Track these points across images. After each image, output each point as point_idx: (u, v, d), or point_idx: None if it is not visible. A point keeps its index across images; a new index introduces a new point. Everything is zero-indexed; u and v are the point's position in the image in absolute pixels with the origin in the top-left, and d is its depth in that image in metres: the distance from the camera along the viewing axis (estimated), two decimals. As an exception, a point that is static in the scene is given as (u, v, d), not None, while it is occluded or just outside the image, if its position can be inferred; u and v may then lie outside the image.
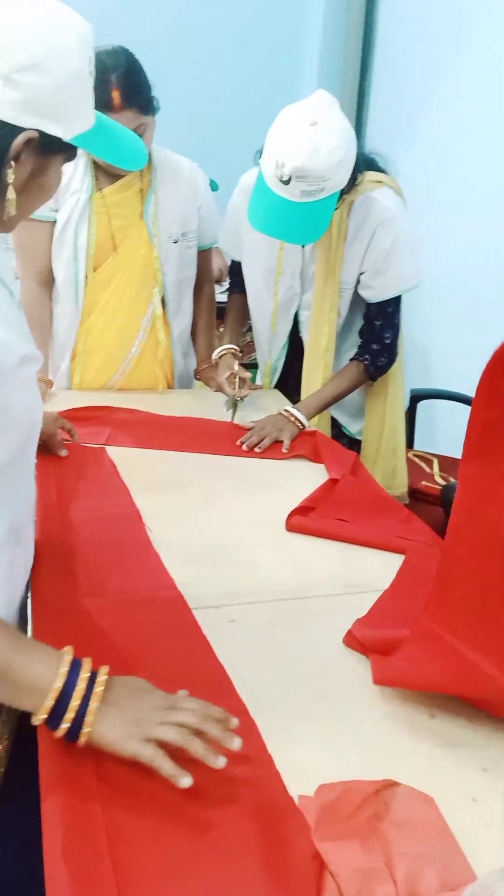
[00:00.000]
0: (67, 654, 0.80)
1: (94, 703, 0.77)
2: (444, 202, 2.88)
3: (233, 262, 2.05)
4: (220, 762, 0.76)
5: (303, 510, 1.41)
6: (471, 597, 0.91)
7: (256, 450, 1.66)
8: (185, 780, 0.75)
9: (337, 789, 0.76)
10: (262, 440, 1.68)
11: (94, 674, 0.80)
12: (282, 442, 1.70)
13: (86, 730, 0.77)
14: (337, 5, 3.46)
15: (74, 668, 0.79)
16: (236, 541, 1.32)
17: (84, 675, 0.79)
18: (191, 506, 1.43)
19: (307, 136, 1.49)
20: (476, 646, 0.89)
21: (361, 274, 1.81)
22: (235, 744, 0.79)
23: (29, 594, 1.10)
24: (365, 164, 1.70)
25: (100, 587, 1.12)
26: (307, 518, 1.39)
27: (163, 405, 1.90)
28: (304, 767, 0.84)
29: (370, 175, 1.74)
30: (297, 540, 1.34)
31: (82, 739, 0.77)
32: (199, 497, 1.47)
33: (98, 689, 0.78)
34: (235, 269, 2.04)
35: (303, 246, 1.83)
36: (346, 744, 0.88)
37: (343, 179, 1.57)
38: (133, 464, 1.56)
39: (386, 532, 1.37)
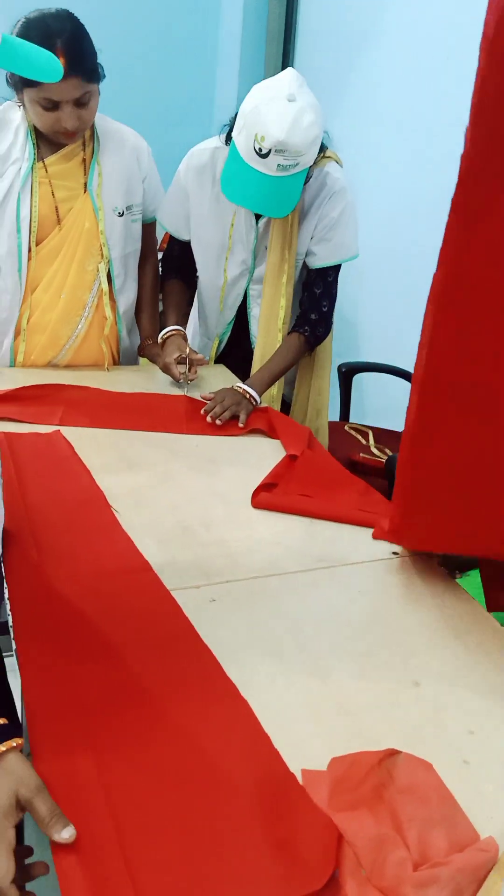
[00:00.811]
0: None
1: None
2: (367, 179, 2.91)
3: (170, 247, 2.02)
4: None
5: (266, 487, 1.42)
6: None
7: (217, 421, 1.66)
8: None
9: (346, 761, 0.78)
10: (224, 412, 1.67)
11: None
12: (237, 418, 1.70)
13: None
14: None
15: None
16: (204, 520, 1.31)
17: None
18: (153, 486, 1.42)
19: (286, 112, 1.53)
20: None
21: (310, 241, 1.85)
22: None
23: (4, 585, 1.07)
24: None
25: (73, 573, 1.10)
26: (272, 494, 1.40)
27: (110, 382, 1.86)
28: (300, 742, 0.86)
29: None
30: (263, 516, 1.35)
31: None
32: (161, 476, 1.46)
33: None
34: (173, 255, 2.02)
35: (256, 221, 1.83)
36: (337, 716, 0.91)
37: (314, 155, 1.63)
38: (89, 444, 1.53)
39: (348, 505, 1.40)
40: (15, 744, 0.74)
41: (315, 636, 1.04)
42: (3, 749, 0.73)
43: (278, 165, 1.59)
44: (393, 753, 0.81)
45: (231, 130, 1.73)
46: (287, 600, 1.12)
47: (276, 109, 1.54)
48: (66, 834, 0.70)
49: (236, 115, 1.70)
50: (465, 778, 0.83)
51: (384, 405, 3.06)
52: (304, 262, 1.90)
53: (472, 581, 1.56)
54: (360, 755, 0.80)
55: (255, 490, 1.40)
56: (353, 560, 1.24)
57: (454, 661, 1.02)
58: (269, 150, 1.56)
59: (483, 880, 0.70)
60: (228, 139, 1.76)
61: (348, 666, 0.99)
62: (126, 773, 0.79)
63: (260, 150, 1.57)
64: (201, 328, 2.09)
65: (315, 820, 0.74)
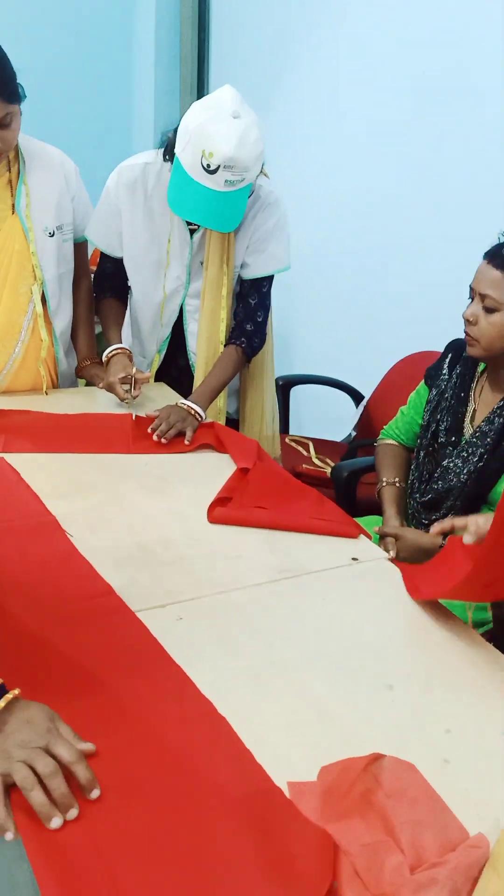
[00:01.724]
0: None
1: None
2: (293, 192, 2.96)
3: (101, 265, 2.00)
4: (54, 823, 0.73)
5: (220, 501, 1.41)
6: None
7: (164, 440, 1.64)
8: (54, 822, 0.73)
9: (335, 769, 0.78)
10: (170, 429, 1.66)
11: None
12: (183, 435, 1.69)
13: None
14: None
15: None
16: (161, 538, 1.30)
17: None
18: (105, 508, 1.39)
19: (233, 129, 1.56)
20: None
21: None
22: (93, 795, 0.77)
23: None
24: None
25: (33, 603, 1.06)
26: (227, 508, 1.39)
27: (50, 406, 1.82)
28: (283, 755, 0.85)
29: None
30: (220, 531, 1.34)
31: None
32: (112, 498, 1.43)
33: None
34: (105, 273, 2.00)
35: (190, 237, 1.83)
36: (316, 724, 0.90)
37: (258, 170, 1.66)
38: (36, 470, 1.49)
39: (304, 515, 1.40)
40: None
41: (285, 646, 1.04)
42: (12, 696, 0.80)
43: (226, 181, 1.61)
44: (378, 758, 0.81)
45: (169, 146, 1.73)
46: (254, 613, 1.11)
47: (222, 126, 1.56)
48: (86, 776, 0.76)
49: (174, 130, 1.70)
50: (447, 777, 0.83)
51: (320, 416, 3.10)
52: (239, 274, 1.91)
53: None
54: (348, 762, 0.79)
55: (210, 505, 1.39)
56: (315, 568, 1.24)
57: (425, 662, 1.04)
58: (218, 166, 1.58)
59: (478, 877, 0.70)
60: (166, 155, 1.76)
61: (321, 674, 0.99)
62: (109, 801, 0.76)
63: (208, 165, 1.58)
64: (136, 346, 2.07)
65: (309, 832, 0.73)
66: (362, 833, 0.72)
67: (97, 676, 0.93)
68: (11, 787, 0.76)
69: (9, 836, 0.72)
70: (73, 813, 0.74)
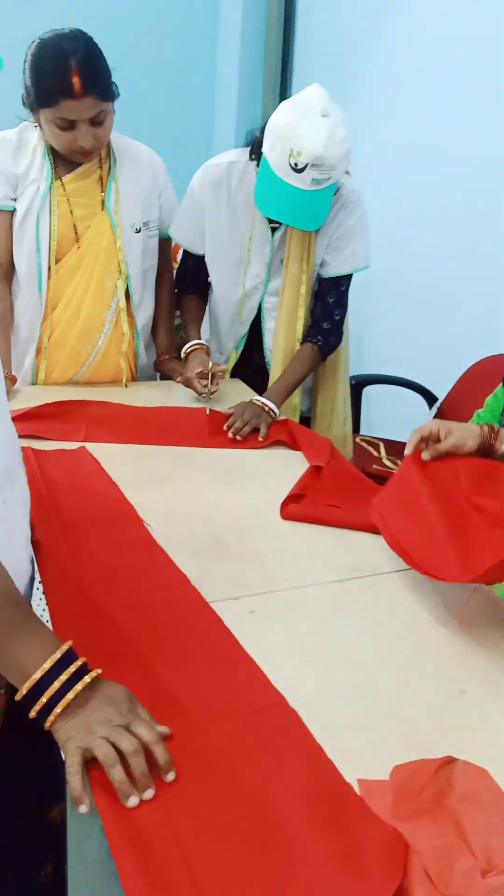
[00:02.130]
0: (59, 650, 0.82)
1: (70, 696, 0.79)
2: (371, 190, 2.94)
3: (184, 262, 2.03)
4: (131, 801, 0.75)
5: (294, 498, 1.42)
6: None
7: (238, 437, 1.66)
8: (132, 800, 0.75)
9: (408, 769, 0.78)
10: (245, 426, 1.68)
11: (80, 670, 0.82)
12: (257, 431, 1.71)
13: (50, 717, 0.79)
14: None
15: (62, 662, 0.81)
16: (235, 532, 1.31)
17: (70, 669, 0.81)
18: (182, 500, 1.42)
19: (322, 127, 1.57)
20: None
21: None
22: (169, 777, 0.79)
23: (43, 598, 1.07)
24: None
25: (113, 589, 1.10)
26: (300, 506, 1.40)
27: (129, 398, 1.86)
28: (353, 752, 0.85)
29: None
30: (293, 528, 1.35)
31: (47, 724, 0.79)
32: (188, 490, 1.46)
33: (78, 686, 0.80)
34: (187, 270, 2.03)
35: (272, 234, 1.85)
36: (385, 725, 0.90)
37: (344, 169, 1.67)
38: (115, 459, 1.53)
39: (376, 515, 1.40)
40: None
41: (357, 646, 1.04)
42: (96, 674, 0.82)
43: (312, 179, 1.62)
44: (450, 761, 0.80)
45: (255, 146, 1.75)
46: (325, 610, 1.12)
47: (311, 125, 1.57)
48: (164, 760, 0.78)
49: (261, 129, 1.71)
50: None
51: (391, 416, 3.07)
52: (318, 272, 1.91)
53: None
54: (421, 763, 0.79)
55: (284, 501, 1.41)
56: (387, 569, 1.24)
57: (497, 666, 1.02)
58: (306, 165, 1.59)
59: (550, 886, 0.69)
60: (252, 154, 1.78)
61: (393, 675, 0.99)
62: (182, 785, 0.78)
63: (296, 164, 1.60)
64: (213, 342, 2.10)
65: (379, 830, 0.73)
66: (434, 834, 0.72)
67: (173, 664, 0.95)
68: (90, 762, 0.79)
69: (83, 808, 0.75)
70: (150, 793, 0.76)
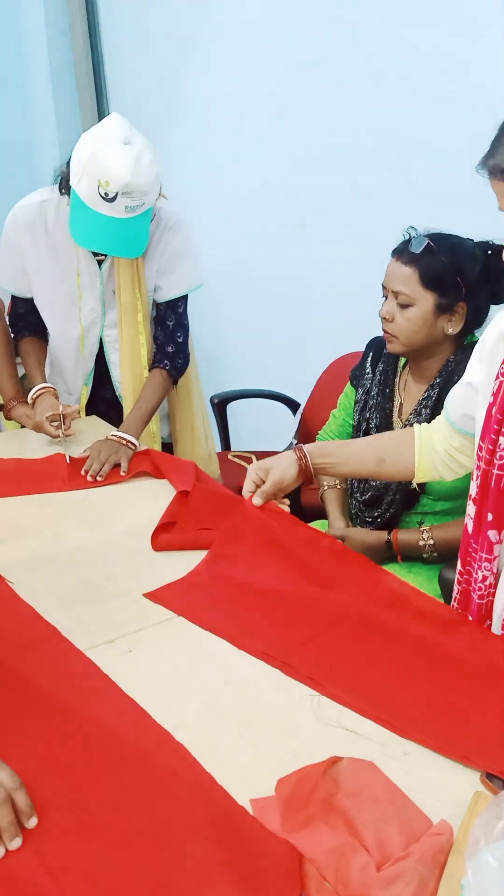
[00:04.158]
0: None
1: None
2: (199, 209, 2.99)
3: (14, 306, 1.99)
4: (14, 844, 0.73)
5: (164, 527, 1.41)
6: None
7: (99, 478, 1.63)
8: (14, 843, 0.73)
9: (292, 780, 0.78)
10: (103, 466, 1.64)
11: None
12: (118, 466, 1.68)
13: None
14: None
15: None
16: (104, 573, 1.28)
17: None
18: (47, 549, 1.37)
19: (125, 155, 1.57)
20: None
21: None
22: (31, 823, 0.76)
23: None
24: None
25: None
26: (171, 534, 1.39)
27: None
28: (243, 772, 0.85)
29: None
30: (166, 557, 1.33)
31: None
32: (51, 538, 1.41)
33: None
34: (19, 313, 1.99)
35: (99, 267, 1.84)
36: (269, 740, 0.90)
37: (156, 193, 1.67)
38: (-30, 520, 1.46)
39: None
40: None
41: (238, 664, 1.03)
42: None
43: (126, 207, 1.62)
44: (335, 761, 0.81)
45: (63, 180, 1.73)
46: (199, 634, 1.10)
47: (115, 153, 1.57)
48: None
49: (66, 164, 1.70)
50: (407, 768, 0.84)
51: (260, 429, 3.12)
52: (153, 298, 1.91)
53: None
54: (305, 770, 0.79)
55: (154, 532, 1.39)
56: (261, 581, 1.24)
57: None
58: (116, 194, 1.59)
59: (444, 864, 0.71)
60: (62, 189, 1.76)
61: (266, 690, 0.99)
62: (71, 839, 0.75)
63: (106, 194, 1.59)
64: (60, 383, 2.05)
65: (273, 847, 0.72)
66: (326, 838, 0.72)
67: (49, 720, 0.91)
68: None
69: (15, 843, 0.73)
70: (17, 842, 0.73)
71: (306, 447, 1.32)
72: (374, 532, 1.62)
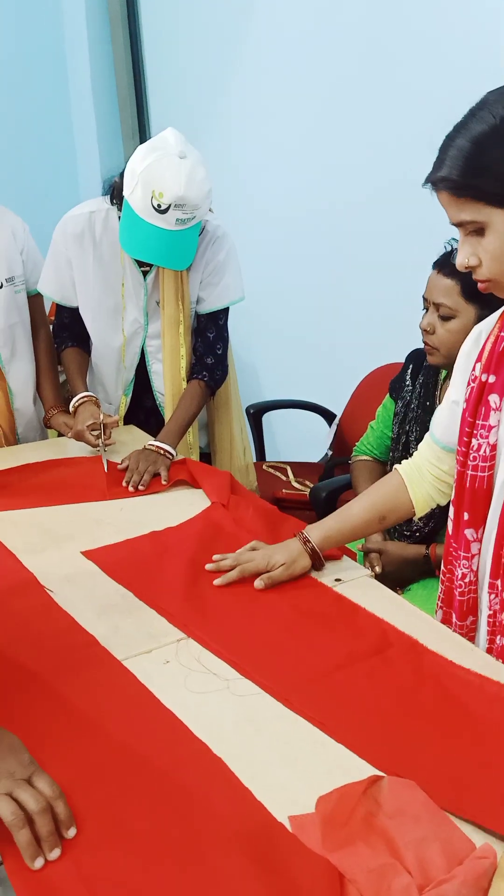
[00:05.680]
0: None
1: None
2: (239, 223, 3.00)
3: (59, 315, 2.01)
4: (38, 863, 0.72)
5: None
6: None
7: (140, 487, 1.63)
8: (38, 861, 0.72)
9: (333, 798, 0.77)
10: (143, 477, 1.65)
11: None
12: (158, 475, 1.69)
13: None
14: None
15: None
16: (142, 582, 1.28)
17: None
18: (83, 557, 1.37)
19: (181, 168, 1.60)
20: None
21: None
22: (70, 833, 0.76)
23: None
24: None
25: (14, 660, 1.05)
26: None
27: (17, 460, 1.80)
28: (282, 788, 0.84)
29: None
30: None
31: None
32: (89, 547, 1.41)
33: None
34: (63, 323, 2.01)
35: (144, 279, 1.85)
36: (307, 756, 0.89)
37: (207, 207, 1.69)
38: (7, 526, 1.47)
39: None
40: None
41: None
42: None
43: (177, 220, 1.64)
44: (376, 780, 0.80)
45: (116, 191, 1.75)
46: (241, 647, 1.10)
47: (170, 167, 1.59)
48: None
49: (120, 175, 1.72)
50: (449, 789, 0.82)
51: (295, 440, 3.11)
52: (195, 310, 1.92)
53: (415, 595, 1.58)
54: (345, 788, 0.78)
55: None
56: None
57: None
58: (169, 206, 1.61)
59: (488, 888, 0.69)
60: (114, 200, 1.78)
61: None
62: (107, 844, 0.75)
63: (159, 206, 1.61)
64: (100, 392, 2.07)
65: (313, 865, 0.71)
66: (367, 858, 0.71)
67: (86, 730, 0.91)
68: None
69: (37, 862, 0.72)
70: (56, 853, 0.73)
71: (309, 535, 1.27)
72: (412, 546, 1.61)
